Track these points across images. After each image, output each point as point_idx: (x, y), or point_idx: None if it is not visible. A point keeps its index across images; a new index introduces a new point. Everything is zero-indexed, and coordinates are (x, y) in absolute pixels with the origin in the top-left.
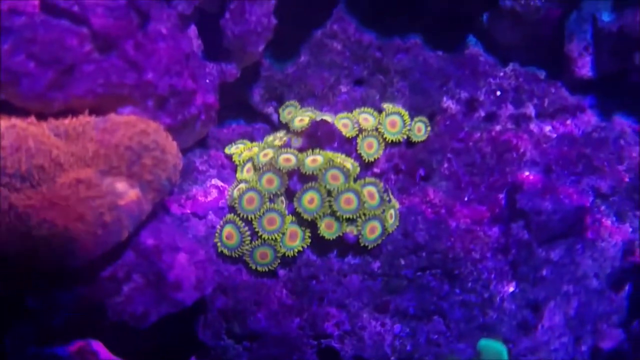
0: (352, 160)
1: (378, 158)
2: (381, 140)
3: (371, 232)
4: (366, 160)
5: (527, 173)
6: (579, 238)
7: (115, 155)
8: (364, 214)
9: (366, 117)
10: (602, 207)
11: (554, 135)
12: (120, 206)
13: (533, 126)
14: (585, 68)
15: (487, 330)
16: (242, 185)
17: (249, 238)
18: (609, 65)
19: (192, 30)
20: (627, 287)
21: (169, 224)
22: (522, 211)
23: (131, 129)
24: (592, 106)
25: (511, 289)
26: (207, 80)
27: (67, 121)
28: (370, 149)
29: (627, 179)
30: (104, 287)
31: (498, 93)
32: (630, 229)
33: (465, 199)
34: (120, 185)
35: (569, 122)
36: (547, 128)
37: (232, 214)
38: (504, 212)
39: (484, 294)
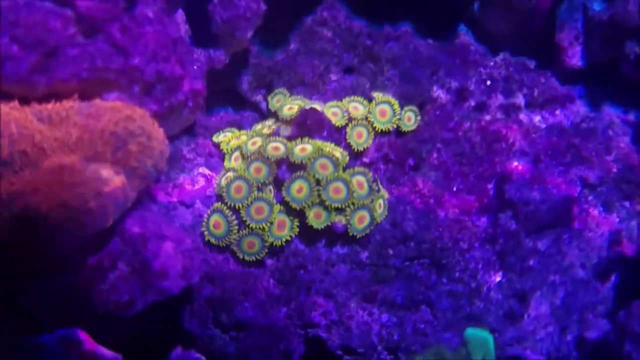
0: (342, 150)
1: (367, 147)
2: (371, 129)
3: (360, 222)
4: (355, 150)
5: (515, 163)
6: (566, 228)
7: (100, 141)
8: (353, 204)
9: (356, 106)
10: (590, 197)
11: (543, 126)
12: (105, 193)
13: (522, 116)
14: (575, 57)
15: (473, 320)
16: (230, 174)
17: (236, 227)
18: (600, 54)
19: (180, 15)
20: (613, 278)
21: (155, 212)
22: (511, 201)
23: (117, 115)
24: (582, 96)
25: (498, 279)
26: (195, 67)
27: (50, 106)
28: (360, 138)
29: (615, 170)
30: (88, 276)
31: (488, 82)
32: (617, 219)
33: (454, 189)
34: (105, 172)
35: (558, 112)
36: (537, 118)
37: (220, 203)
38: (493, 202)
39: (471, 284)
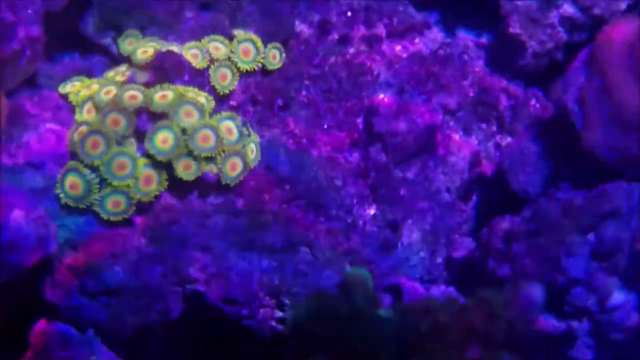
0: (206, 94)
1: (233, 90)
2: (235, 70)
3: (232, 169)
4: (221, 93)
5: (382, 95)
6: (431, 155)
7: None
8: (223, 151)
9: (217, 46)
10: (451, 123)
11: (405, 55)
12: None
13: (385, 47)
14: None
15: (351, 255)
16: (83, 128)
17: (97, 186)
18: None
19: None
20: (474, 197)
21: None
22: (379, 134)
23: None
24: (437, 22)
25: (372, 212)
26: (30, 11)
27: None
28: (224, 80)
29: (471, 94)
30: None
31: (349, 14)
32: (476, 142)
33: (325, 126)
34: None
35: (417, 40)
36: (398, 48)
37: (75, 161)
38: (363, 136)
39: (347, 220)
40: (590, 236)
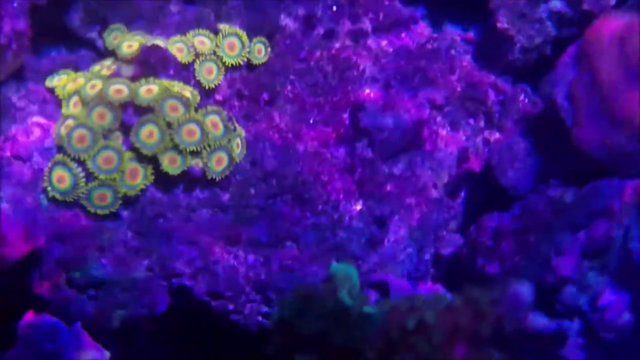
0: (191, 88)
1: (219, 84)
2: (220, 64)
3: (218, 164)
4: (206, 87)
5: (367, 90)
6: (418, 151)
7: None
8: (209, 145)
9: (202, 40)
10: (438, 118)
11: (391, 50)
12: None
13: (370, 42)
14: None
15: (337, 250)
16: (70, 122)
17: (83, 180)
18: None
19: None
20: (462, 194)
21: None
22: (365, 129)
23: None
24: (424, 17)
25: (358, 207)
26: (15, 4)
27: None
28: (210, 74)
29: (459, 89)
30: None
31: (334, 8)
32: (464, 137)
33: (311, 121)
34: None
35: (404, 35)
36: (384, 42)
37: (62, 155)
38: (349, 131)
39: (333, 215)
40: (581, 234)
